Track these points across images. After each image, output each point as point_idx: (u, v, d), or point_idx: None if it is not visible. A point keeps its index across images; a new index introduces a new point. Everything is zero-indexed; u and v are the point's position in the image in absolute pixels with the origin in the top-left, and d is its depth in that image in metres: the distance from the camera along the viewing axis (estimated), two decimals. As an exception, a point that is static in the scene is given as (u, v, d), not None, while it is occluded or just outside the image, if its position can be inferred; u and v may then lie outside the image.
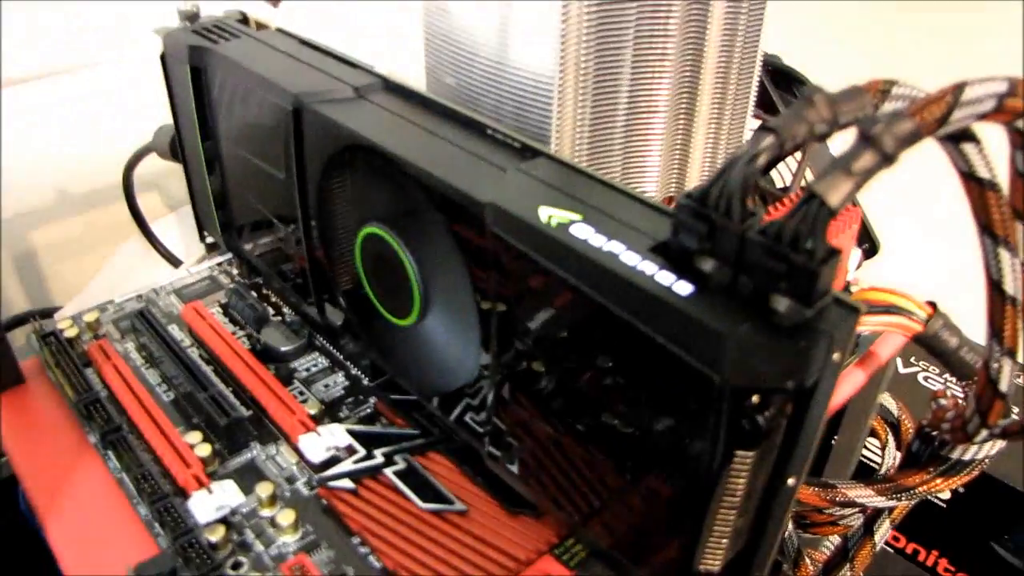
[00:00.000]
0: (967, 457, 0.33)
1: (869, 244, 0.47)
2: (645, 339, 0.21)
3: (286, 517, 0.28)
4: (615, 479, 0.25)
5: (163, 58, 0.36)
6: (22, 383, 0.36)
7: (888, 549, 0.67)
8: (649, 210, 0.23)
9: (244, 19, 0.37)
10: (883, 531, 0.40)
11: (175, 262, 0.55)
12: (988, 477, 0.67)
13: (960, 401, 0.33)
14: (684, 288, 0.20)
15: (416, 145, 0.27)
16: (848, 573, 0.40)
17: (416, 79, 0.32)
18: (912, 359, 0.83)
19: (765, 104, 0.45)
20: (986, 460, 0.34)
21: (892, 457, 0.46)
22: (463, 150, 0.27)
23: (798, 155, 0.43)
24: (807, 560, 0.41)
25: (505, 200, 0.23)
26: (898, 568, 0.66)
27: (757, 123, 0.23)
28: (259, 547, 0.28)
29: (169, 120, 0.40)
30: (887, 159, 0.19)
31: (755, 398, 0.20)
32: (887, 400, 0.44)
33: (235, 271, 0.41)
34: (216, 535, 0.28)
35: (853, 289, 0.40)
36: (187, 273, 0.41)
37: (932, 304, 0.31)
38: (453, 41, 0.31)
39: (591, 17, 0.28)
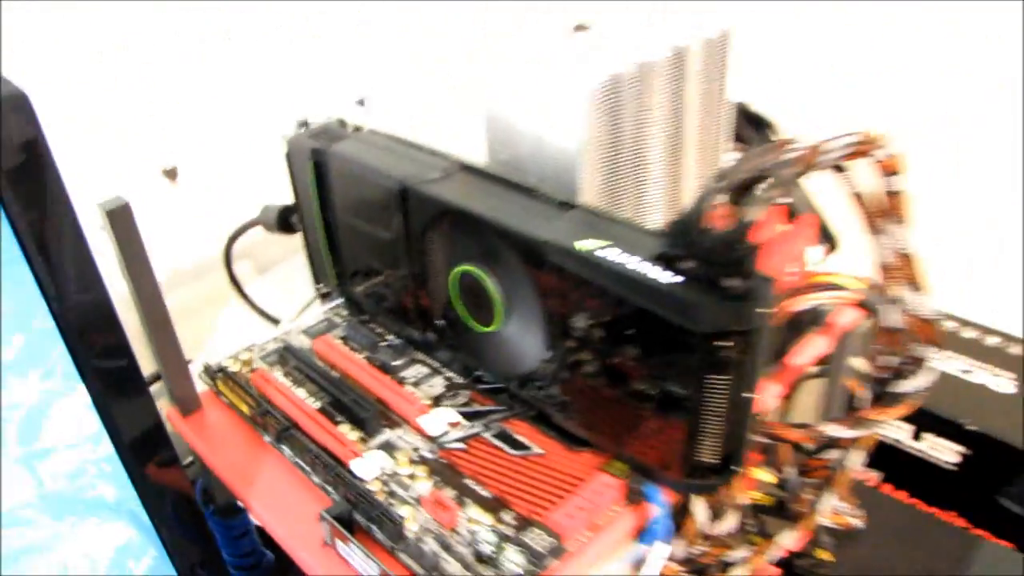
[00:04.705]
0: (902, 391, 0.49)
1: (829, 242, 0.64)
2: (651, 315, 0.37)
3: (420, 470, 0.45)
4: (638, 413, 0.41)
5: (288, 156, 0.54)
6: (200, 408, 0.53)
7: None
8: (649, 235, 0.40)
9: (343, 123, 0.55)
10: (854, 459, 0.56)
11: (271, 319, 0.72)
12: (990, 438, 0.81)
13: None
14: (674, 280, 0.37)
15: (491, 206, 0.44)
16: (831, 495, 0.56)
17: (479, 158, 0.50)
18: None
19: (744, 140, 0.62)
20: (919, 392, 0.49)
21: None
22: (526, 211, 0.43)
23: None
24: (804, 495, 0.57)
25: (556, 238, 0.40)
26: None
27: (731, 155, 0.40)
28: (403, 492, 0.44)
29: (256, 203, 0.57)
30: (784, 187, 0.35)
31: (719, 341, 0.36)
32: (859, 363, 0.60)
33: (344, 312, 0.58)
34: (375, 486, 0.44)
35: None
36: (301, 321, 0.58)
37: (868, 280, 0.48)
38: (506, 129, 0.49)
39: (600, 107, 0.45)
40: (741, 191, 0.36)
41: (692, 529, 0.56)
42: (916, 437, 0.90)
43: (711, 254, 0.36)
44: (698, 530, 0.56)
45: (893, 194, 0.38)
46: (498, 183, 0.46)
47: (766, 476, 0.64)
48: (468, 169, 0.48)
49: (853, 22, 0.89)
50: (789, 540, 0.58)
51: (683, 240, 0.37)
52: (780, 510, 0.63)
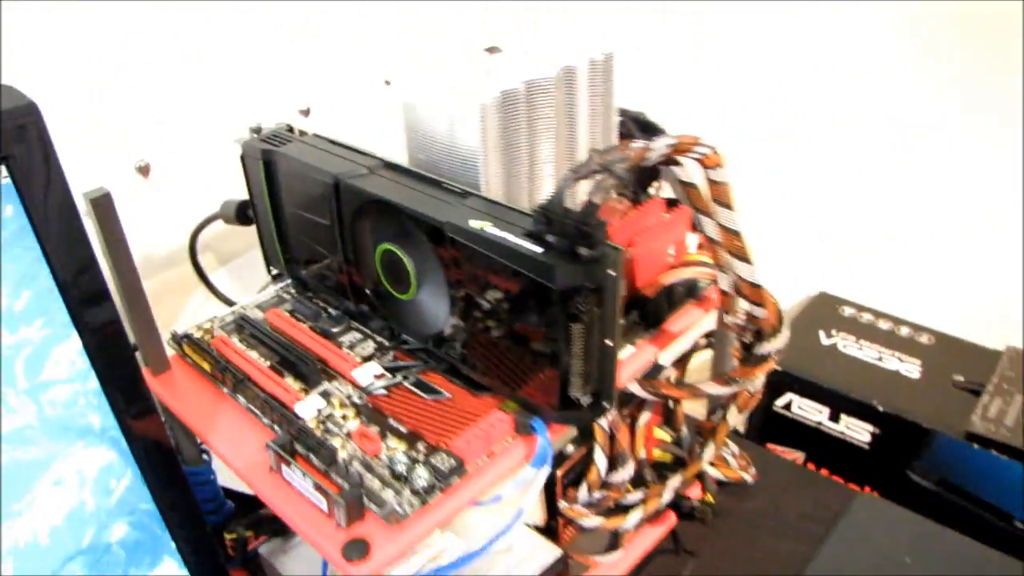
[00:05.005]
0: (763, 352, 0.60)
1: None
2: (525, 277, 0.48)
3: (351, 412, 0.55)
4: (522, 359, 0.52)
5: (243, 158, 0.64)
6: (169, 369, 0.63)
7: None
8: (526, 216, 0.51)
9: (290, 128, 0.65)
10: (732, 414, 0.67)
11: (230, 304, 0.82)
12: (899, 418, 0.92)
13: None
14: (539, 250, 0.48)
15: (406, 196, 0.54)
16: (712, 445, 0.67)
17: (401, 157, 0.60)
18: (832, 331, 1.10)
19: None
20: (777, 351, 0.60)
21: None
22: (434, 200, 0.54)
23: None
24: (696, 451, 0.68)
25: (453, 220, 0.51)
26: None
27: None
28: (336, 429, 0.54)
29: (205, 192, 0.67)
30: (619, 179, 0.46)
31: (574, 296, 0.47)
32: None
33: (293, 290, 0.68)
34: (313, 424, 0.54)
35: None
36: (255, 298, 0.69)
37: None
38: (422, 133, 0.59)
39: (495, 117, 0.56)
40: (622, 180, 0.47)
41: (594, 477, 0.67)
42: (834, 419, 1.01)
43: (566, 229, 0.47)
44: (599, 478, 0.67)
45: (715, 183, 0.50)
46: (413, 177, 0.57)
47: (665, 435, 0.76)
48: (390, 166, 0.58)
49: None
50: (677, 483, 0.69)
51: (548, 219, 0.48)
52: (678, 465, 0.75)
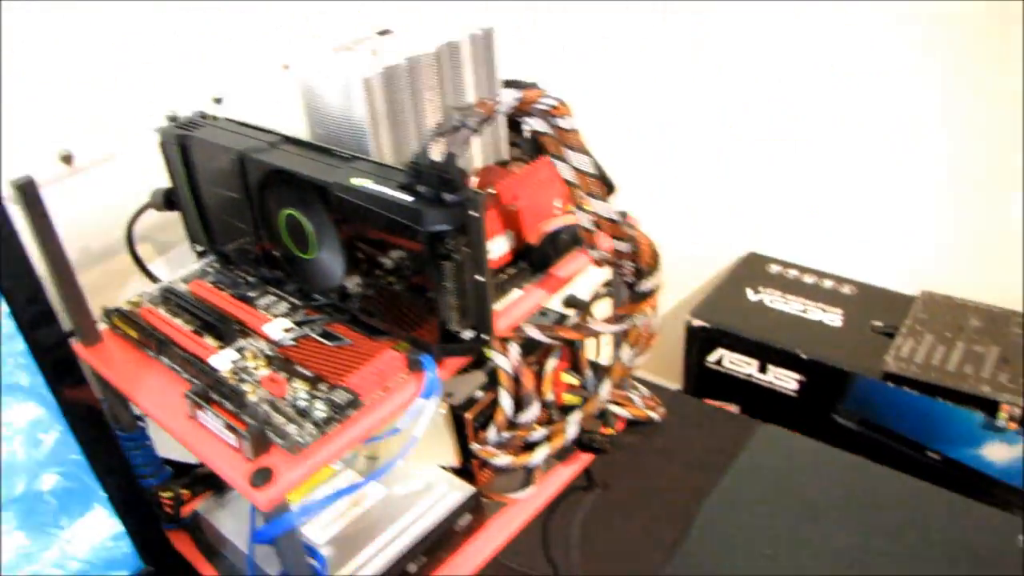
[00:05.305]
0: (643, 289, 0.66)
1: (609, 186, 0.82)
2: (400, 224, 0.54)
3: (262, 362, 0.61)
4: (407, 301, 0.58)
5: (162, 145, 0.71)
6: (101, 341, 0.69)
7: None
8: (401, 172, 0.57)
9: (204, 115, 0.72)
10: (625, 351, 0.73)
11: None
12: (822, 365, 0.97)
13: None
14: (410, 199, 0.54)
15: (301, 164, 0.61)
16: (608, 381, 0.74)
17: (303, 133, 0.67)
18: (759, 288, 1.15)
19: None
20: (656, 288, 0.67)
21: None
22: (324, 165, 0.60)
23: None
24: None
25: (338, 180, 0.57)
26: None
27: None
28: (248, 377, 0.61)
29: (146, 184, 0.73)
30: (473, 131, 0.53)
31: (441, 236, 0.53)
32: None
33: (216, 264, 0.74)
34: (227, 374, 0.61)
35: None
36: (183, 272, 0.75)
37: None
38: (318, 110, 0.66)
39: (382, 88, 0.62)
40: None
41: (501, 418, 0.74)
42: (762, 370, 1.07)
43: (432, 179, 0.53)
44: (506, 419, 0.73)
45: (564, 131, 0.56)
46: (309, 148, 0.63)
47: (572, 379, 0.82)
48: (289, 140, 0.65)
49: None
50: (578, 419, 0.76)
51: (417, 172, 0.54)
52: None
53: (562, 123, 0.56)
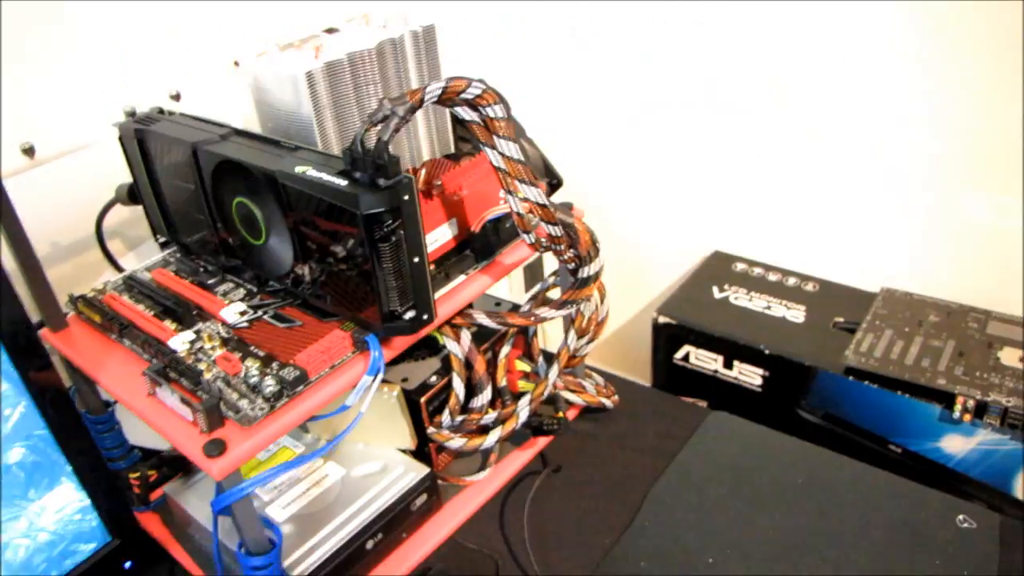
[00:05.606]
0: (586, 275, 0.70)
1: (556, 180, 0.86)
2: (339, 208, 0.58)
3: (217, 343, 0.65)
4: (350, 282, 0.62)
5: (121, 140, 0.74)
6: (67, 327, 0.73)
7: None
8: (340, 159, 0.61)
9: (161, 111, 0.76)
10: (572, 337, 0.77)
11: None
12: (785, 360, 1.00)
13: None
14: (346, 183, 0.58)
15: (250, 154, 0.65)
16: (556, 366, 0.77)
17: (255, 127, 0.70)
18: (725, 286, 1.18)
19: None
20: (597, 272, 0.70)
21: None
22: (271, 154, 0.64)
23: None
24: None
25: (283, 168, 0.61)
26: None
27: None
28: (204, 357, 0.64)
29: (117, 181, 0.77)
30: (402, 119, 0.57)
31: (377, 219, 0.57)
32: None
33: (178, 254, 0.78)
34: (184, 355, 0.64)
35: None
36: (146, 261, 0.79)
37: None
38: (267, 104, 0.70)
39: (325, 83, 0.66)
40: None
41: (453, 403, 0.77)
42: (728, 366, 1.10)
43: (366, 165, 0.57)
44: (458, 403, 0.77)
45: (492, 119, 0.60)
46: (257, 140, 0.67)
47: (526, 366, 0.85)
48: (240, 133, 0.69)
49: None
50: (528, 402, 0.79)
51: (352, 159, 0.58)
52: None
53: (489, 111, 0.60)
